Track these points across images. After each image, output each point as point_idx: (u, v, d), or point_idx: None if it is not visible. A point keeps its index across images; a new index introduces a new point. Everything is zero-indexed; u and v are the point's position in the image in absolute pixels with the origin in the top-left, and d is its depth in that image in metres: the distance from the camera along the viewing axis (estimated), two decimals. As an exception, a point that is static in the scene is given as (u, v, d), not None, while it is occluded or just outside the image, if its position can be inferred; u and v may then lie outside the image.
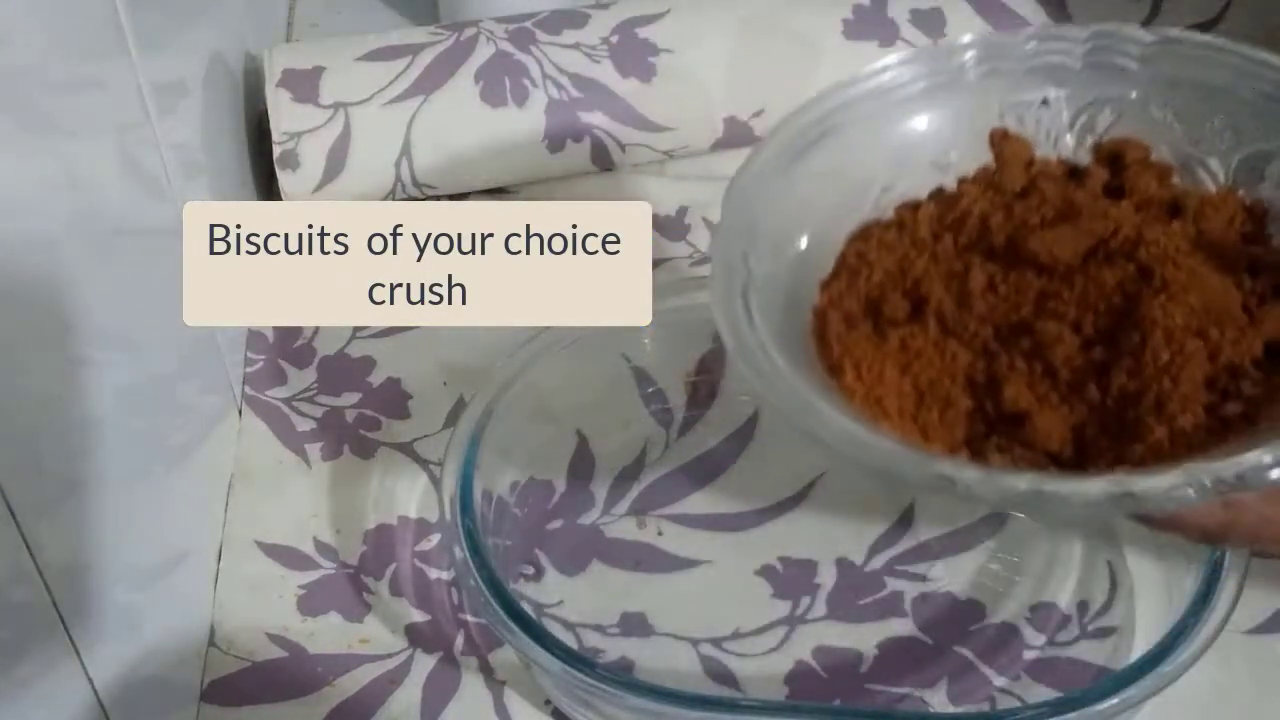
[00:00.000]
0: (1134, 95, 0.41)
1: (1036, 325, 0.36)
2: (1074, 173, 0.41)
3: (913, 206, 0.41)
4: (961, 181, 0.41)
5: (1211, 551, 0.42)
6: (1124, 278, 0.36)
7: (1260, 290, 0.37)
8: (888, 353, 0.37)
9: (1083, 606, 0.47)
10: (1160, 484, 0.31)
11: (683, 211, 0.62)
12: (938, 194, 0.41)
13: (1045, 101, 0.41)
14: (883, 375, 0.36)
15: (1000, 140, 0.41)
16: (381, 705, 0.46)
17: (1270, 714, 0.45)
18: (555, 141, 0.62)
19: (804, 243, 0.40)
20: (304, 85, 0.61)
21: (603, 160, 0.63)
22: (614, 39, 0.63)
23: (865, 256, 0.39)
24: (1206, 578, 0.42)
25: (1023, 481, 0.32)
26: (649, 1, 0.64)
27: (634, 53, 0.62)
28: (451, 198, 0.63)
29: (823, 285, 0.39)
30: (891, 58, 0.42)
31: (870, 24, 0.64)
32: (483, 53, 0.62)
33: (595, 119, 0.62)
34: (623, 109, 0.62)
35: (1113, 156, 0.41)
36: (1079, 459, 0.35)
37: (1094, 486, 0.31)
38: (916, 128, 0.41)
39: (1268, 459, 0.31)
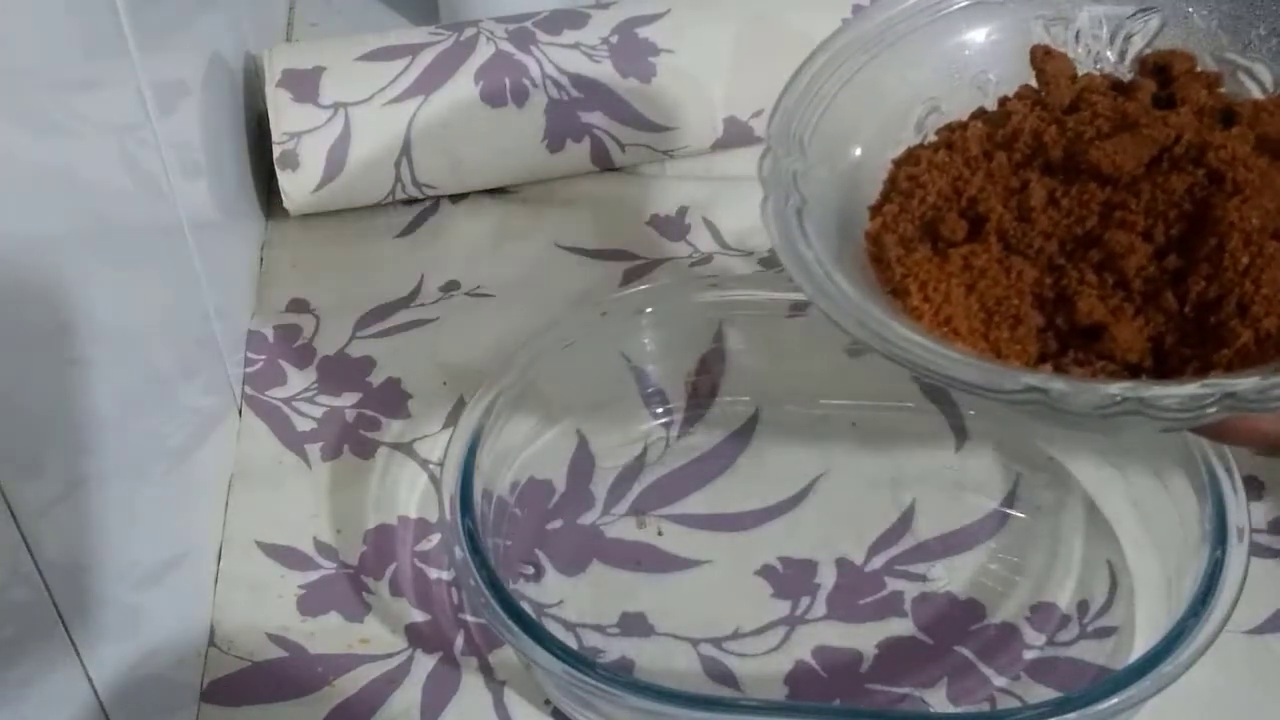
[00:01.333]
0: (1176, 6, 0.40)
1: (1105, 236, 0.35)
2: (1120, 86, 0.40)
3: (959, 127, 0.40)
4: (1004, 100, 0.40)
5: (1212, 551, 0.42)
6: (1193, 183, 0.35)
7: None
8: (951, 272, 0.36)
9: (1083, 606, 0.47)
10: (1255, 385, 0.30)
11: (683, 211, 0.62)
12: (981, 114, 0.40)
13: (1079, 29, 0.41)
14: (949, 295, 0.36)
15: (1042, 57, 0.40)
16: (381, 705, 0.46)
17: (1270, 714, 0.45)
18: (555, 141, 0.62)
19: (850, 165, 0.39)
20: (304, 85, 0.61)
21: (603, 160, 0.63)
22: (614, 39, 0.63)
23: (917, 179, 0.38)
24: (1206, 578, 0.42)
25: (1116, 388, 0.31)
26: (649, 1, 0.64)
27: (634, 53, 0.62)
28: (451, 198, 0.64)
29: (873, 210, 0.39)
30: None
31: (870, 24, 0.63)
32: (483, 53, 0.62)
33: (595, 119, 0.62)
34: (623, 109, 0.62)
35: (1159, 68, 0.40)
36: (1159, 369, 0.34)
37: (1191, 389, 0.31)
38: (956, 47, 0.41)
39: None
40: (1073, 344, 0.35)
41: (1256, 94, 0.39)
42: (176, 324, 0.50)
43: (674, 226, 0.62)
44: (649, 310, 0.52)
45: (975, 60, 0.41)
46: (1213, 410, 0.31)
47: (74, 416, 0.38)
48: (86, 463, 0.39)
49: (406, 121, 0.61)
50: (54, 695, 0.37)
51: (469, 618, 0.48)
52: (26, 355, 0.36)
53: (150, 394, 0.46)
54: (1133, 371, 0.34)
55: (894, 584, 0.49)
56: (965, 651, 0.47)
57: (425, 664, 0.47)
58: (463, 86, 0.61)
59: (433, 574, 0.49)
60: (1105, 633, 0.47)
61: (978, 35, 0.41)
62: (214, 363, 0.53)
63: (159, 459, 0.46)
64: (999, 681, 0.46)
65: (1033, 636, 0.47)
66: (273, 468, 0.53)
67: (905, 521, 0.50)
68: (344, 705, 0.46)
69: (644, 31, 0.63)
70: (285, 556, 0.50)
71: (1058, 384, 0.32)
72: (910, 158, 0.39)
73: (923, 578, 0.49)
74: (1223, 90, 0.39)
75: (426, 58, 0.62)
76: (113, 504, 0.40)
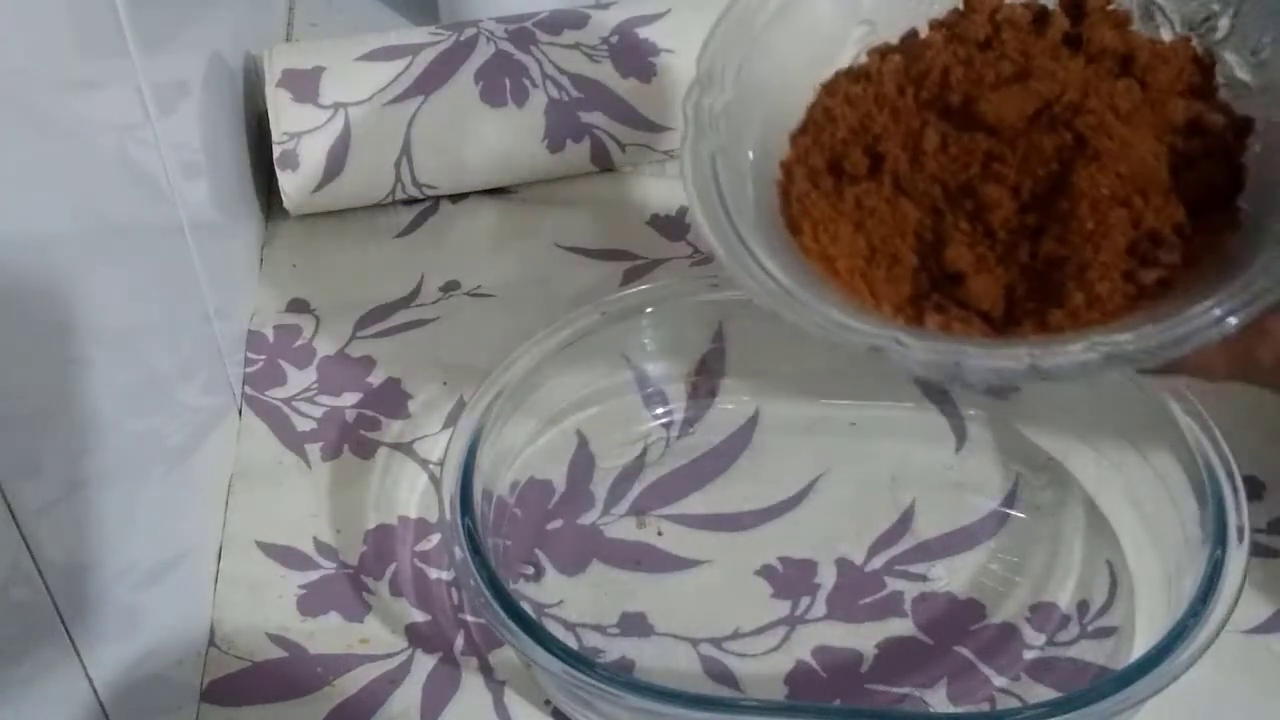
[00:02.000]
0: None
1: (980, 188, 0.38)
2: (1039, 16, 0.42)
3: (882, 53, 0.42)
4: (932, 24, 0.42)
5: (1212, 551, 0.42)
6: (1061, 145, 0.38)
7: (1193, 150, 0.38)
8: (843, 211, 0.39)
9: (1083, 606, 0.47)
10: (1067, 359, 0.33)
11: (683, 211, 0.62)
12: (909, 37, 0.42)
13: None
14: (837, 234, 0.38)
15: None
16: (381, 705, 0.46)
17: (1270, 714, 0.45)
18: (555, 141, 0.62)
19: (782, 89, 0.41)
20: (304, 85, 0.61)
21: (603, 160, 0.63)
22: (614, 39, 0.63)
23: (831, 112, 0.40)
24: (1206, 578, 0.42)
25: (943, 350, 0.34)
26: (649, 1, 0.64)
27: (634, 53, 0.62)
28: (451, 198, 0.64)
29: (792, 138, 0.41)
30: None
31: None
32: (483, 53, 0.62)
33: (595, 119, 0.62)
34: (623, 109, 0.62)
35: (1074, 3, 0.41)
36: (1008, 318, 0.36)
37: (1006, 361, 0.34)
38: None
39: (1168, 332, 0.33)
40: (940, 286, 0.37)
41: (1165, 34, 0.41)
42: (176, 324, 0.50)
43: (674, 226, 0.62)
44: (649, 310, 0.52)
45: None
46: (1027, 379, 0.34)
47: (74, 416, 0.38)
48: (86, 463, 0.39)
49: (406, 121, 0.61)
50: (54, 695, 0.37)
51: (469, 618, 0.48)
52: (26, 355, 0.36)
53: (150, 394, 0.46)
54: (986, 319, 0.37)
55: (894, 584, 0.49)
56: (965, 651, 0.47)
57: (425, 664, 0.47)
58: (463, 86, 0.61)
59: (433, 574, 0.49)
60: (1105, 633, 0.47)
61: None
62: (214, 363, 0.53)
63: (159, 459, 0.46)
64: (999, 681, 0.46)
65: (1033, 636, 0.47)
66: (273, 468, 0.53)
67: (905, 521, 0.50)
68: (344, 705, 0.46)
69: (644, 31, 0.63)
70: (285, 556, 0.50)
71: (893, 347, 0.34)
72: (830, 87, 0.41)
73: (923, 578, 0.49)
74: (1133, 29, 0.41)
75: (426, 58, 0.62)
76: (113, 504, 0.40)
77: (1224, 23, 0.40)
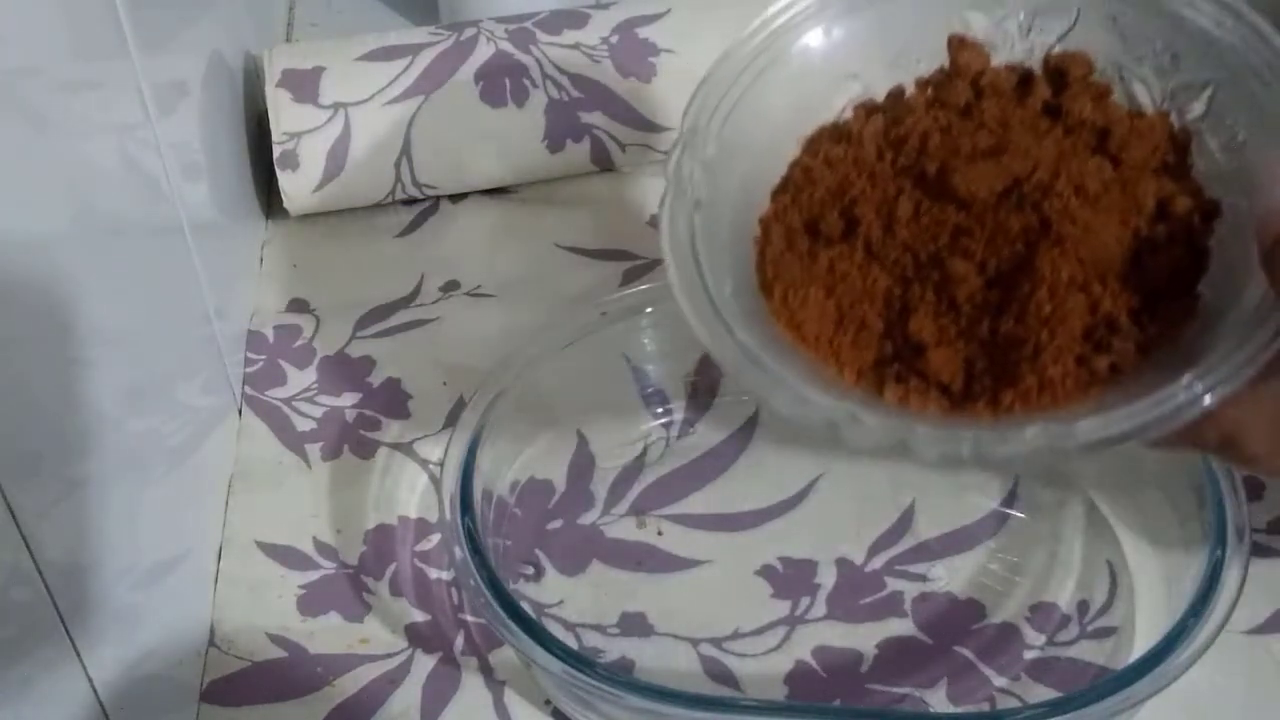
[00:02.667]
0: (1088, 6, 0.42)
1: (947, 261, 0.38)
2: (1023, 81, 0.42)
3: (866, 110, 0.42)
4: (918, 83, 0.42)
5: (1212, 551, 0.42)
6: (1027, 225, 0.38)
7: (1159, 236, 0.38)
8: (816, 275, 0.39)
9: (1083, 606, 0.47)
10: (1010, 449, 0.34)
11: (683, 211, 0.62)
12: (895, 95, 0.42)
13: (1005, 14, 0.42)
14: (807, 299, 0.39)
15: (957, 46, 0.42)
16: (381, 705, 0.46)
17: (1270, 714, 0.45)
18: (555, 141, 0.62)
19: (766, 144, 0.41)
20: (304, 85, 0.61)
21: (603, 160, 0.63)
22: (614, 39, 0.63)
23: (811, 172, 0.41)
24: (1206, 578, 0.42)
25: (892, 432, 0.35)
26: (649, 1, 0.64)
27: (634, 53, 0.62)
28: (451, 198, 0.64)
29: (773, 194, 0.41)
30: None
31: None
32: (483, 53, 0.62)
33: (595, 119, 0.62)
34: (623, 109, 0.62)
35: (1058, 71, 0.42)
36: (966, 393, 0.37)
37: (951, 445, 0.34)
38: (879, 25, 0.43)
39: (1116, 425, 0.34)
40: (902, 356, 0.38)
41: (1146, 104, 0.41)
42: (176, 324, 0.50)
43: (674, 226, 0.61)
44: (649, 310, 0.52)
45: (897, 42, 0.43)
46: (974, 463, 0.35)
47: (74, 416, 0.38)
48: (86, 463, 0.39)
49: (406, 121, 0.61)
50: (54, 695, 0.37)
51: (469, 618, 0.48)
52: (26, 355, 0.36)
53: (150, 394, 0.46)
54: (945, 391, 0.37)
55: (894, 584, 0.49)
56: (965, 651, 0.47)
57: (425, 664, 0.47)
58: (463, 86, 0.61)
59: (433, 574, 0.49)
60: (1105, 633, 0.47)
61: (904, 18, 0.43)
62: (214, 363, 0.53)
63: (159, 459, 0.46)
64: (999, 681, 0.46)
65: (1033, 636, 0.47)
66: (273, 468, 0.53)
67: (905, 521, 0.50)
68: (344, 705, 0.46)
69: (644, 31, 0.63)
70: (285, 556, 0.50)
71: (845, 423, 0.35)
72: (813, 144, 0.42)
73: (923, 578, 0.49)
74: (1113, 99, 0.41)
75: (426, 58, 0.62)
76: (113, 504, 0.40)
77: (1201, 101, 0.40)
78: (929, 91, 0.42)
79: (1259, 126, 0.38)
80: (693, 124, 0.41)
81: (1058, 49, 0.42)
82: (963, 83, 0.42)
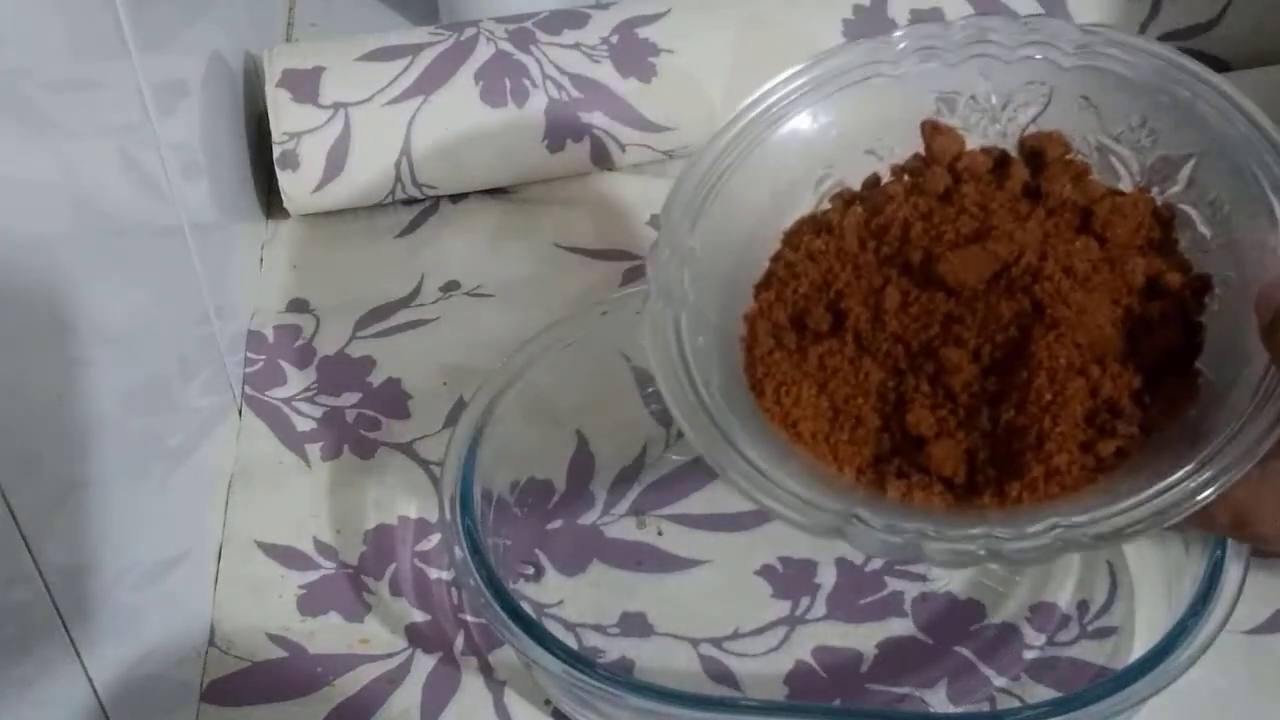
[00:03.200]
0: (1060, 86, 0.41)
1: (940, 351, 0.38)
2: (1000, 163, 0.42)
3: (845, 200, 0.42)
4: (894, 170, 0.42)
5: (1212, 551, 0.42)
6: (1020, 310, 0.38)
7: (1151, 314, 0.38)
8: (807, 372, 0.39)
9: (1083, 606, 0.47)
10: (1022, 545, 0.33)
11: (683, 211, 0.62)
12: (872, 184, 0.42)
13: (974, 97, 0.42)
14: (800, 397, 0.38)
15: (930, 132, 0.42)
16: (381, 705, 0.46)
17: (1270, 714, 0.45)
18: (555, 141, 0.62)
19: (744, 236, 0.41)
20: (304, 85, 0.61)
21: (603, 160, 0.63)
22: (614, 39, 0.63)
23: (794, 267, 0.41)
24: (1206, 578, 0.42)
25: (902, 537, 0.34)
26: (649, 1, 0.64)
27: (634, 53, 0.62)
28: (451, 198, 0.64)
29: (755, 290, 0.41)
30: (828, 50, 0.43)
31: (870, 24, 0.64)
32: (483, 53, 0.62)
33: (595, 119, 0.62)
34: (623, 109, 0.62)
35: (1034, 153, 0.42)
36: (970, 485, 0.37)
37: (962, 546, 0.34)
38: (853, 117, 0.42)
39: (1123, 520, 0.33)
40: (902, 451, 0.37)
41: (1125, 182, 0.41)
42: (176, 324, 0.50)
43: (674, 226, 0.61)
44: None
45: (871, 129, 0.42)
46: (985, 557, 0.34)
47: (74, 416, 0.38)
48: (86, 463, 0.39)
49: (406, 121, 0.61)
50: (54, 695, 0.37)
51: (469, 618, 0.48)
52: (26, 355, 0.36)
53: (150, 394, 0.46)
54: (948, 485, 0.37)
55: (894, 584, 0.49)
56: (965, 651, 0.47)
57: (425, 664, 0.47)
58: (463, 86, 0.61)
59: (433, 574, 0.49)
60: (1105, 633, 0.47)
61: (875, 105, 0.42)
62: (214, 363, 0.53)
63: (159, 459, 0.46)
64: (999, 681, 0.46)
65: (1033, 636, 0.47)
66: (273, 468, 0.53)
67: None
68: (344, 705, 0.46)
69: (644, 31, 0.63)
70: (285, 556, 0.50)
71: (854, 531, 0.35)
72: (793, 237, 0.41)
73: (923, 578, 0.49)
74: (1092, 178, 0.41)
75: (426, 58, 0.62)
76: (113, 504, 0.40)
77: (1183, 174, 0.39)
78: (906, 179, 0.42)
79: (1243, 197, 0.38)
80: (671, 219, 0.40)
81: (1032, 129, 0.42)
82: (940, 168, 0.41)
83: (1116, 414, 0.36)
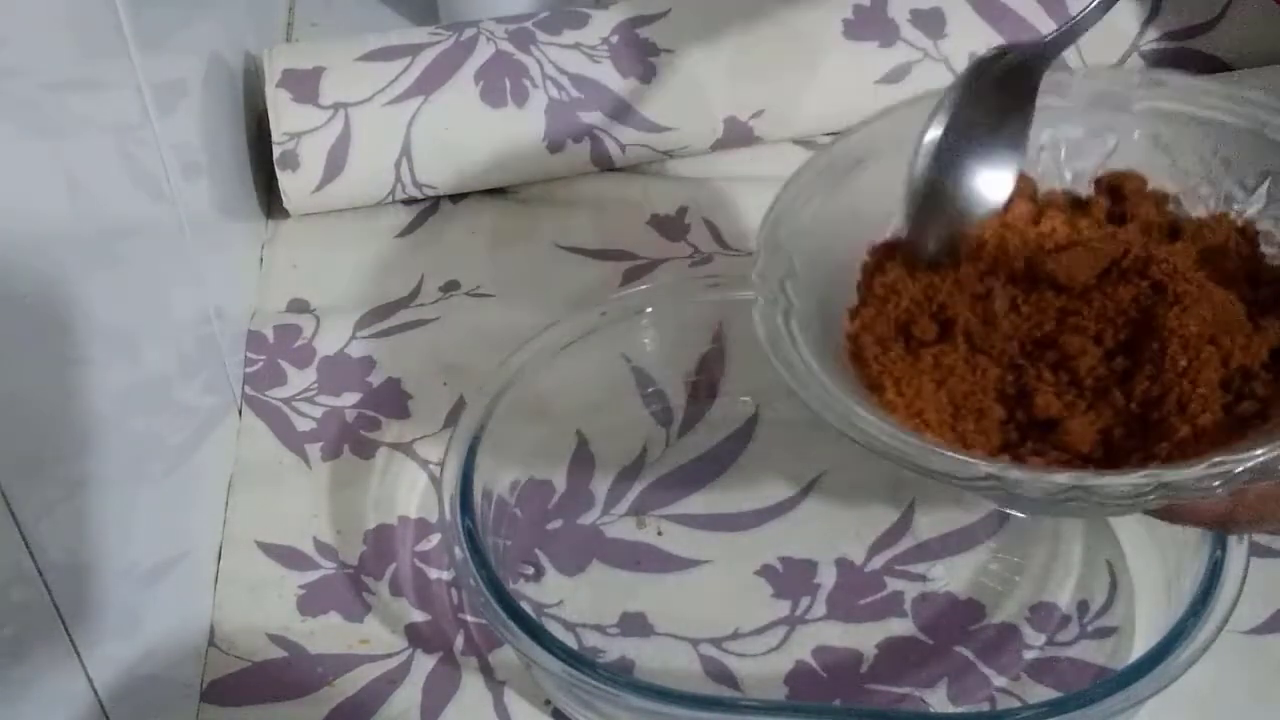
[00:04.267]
0: (1127, 131, 0.43)
1: (1060, 339, 0.39)
2: (1077, 203, 0.44)
3: None
4: None
5: (1212, 551, 0.42)
6: (1138, 293, 0.39)
7: (1262, 300, 0.39)
8: (923, 369, 0.39)
9: (1083, 606, 0.47)
10: (1192, 474, 0.34)
11: (683, 211, 0.62)
12: None
13: (1042, 146, 0.44)
14: (920, 390, 0.39)
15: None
16: (381, 705, 0.46)
17: (1270, 714, 0.45)
18: (555, 141, 0.62)
19: (834, 266, 0.42)
20: (304, 85, 0.61)
21: (603, 160, 0.63)
22: (614, 39, 0.63)
23: (892, 286, 0.42)
24: (1206, 578, 0.42)
25: (1065, 477, 0.34)
26: (649, 1, 0.64)
27: (634, 53, 0.62)
28: (451, 198, 0.64)
29: (851, 313, 0.42)
30: (909, 99, 0.44)
31: (870, 24, 0.64)
32: (483, 53, 0.62)
33: (595, 119, 0.62)
34: (623, 109, 0.62)
35: (1112, 188, 0.43)
36: (1108, 460, 0.37)
37: (1132, 479, 0.34)
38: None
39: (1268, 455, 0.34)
40: (1031, 436, 0.38)
41: (1203, 211, 0.42)
42: (176, 324, 0.50)
43: (674, 226, 0.62)
44: (649, 310, 0.52)
45: None
46: (1152, 497, 0.35)
47: (74, 416, 0.38)
48: (86, 463, 0.39)
49: (406, 121, 0.61)
50: (54, 695, 0.37)
51: (469, 618, 0.48)
52: (26, 355, 0.36)
53: (150, 394, 0.46)
54: (1084, 461, 0.37)
55: (894, 584, 0.49)
56: (965, 651, 0.47)
57: (425, 664, 0.47)
58: (463, 86, 0.61)
59: (433, 574, 0.49)
60: (1105, 633, 0.47)
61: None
62: (214, 363, 0.53)
63: (159, 459, 0.46)
64: (999, 681, 0.46)
65: (1033, 636, 0.47)
66: (273, 468, 0.53)
67: (905, 521, 0.50)
68: (344, 705, 0.46)
69: (644, 31, 0.63)
70: (285, 556, 0.50)
71: (1014, 473, 0.35)
72: (881, 262, 0.42)
73: (923, 578, 0.49)
74: (1171, 207, 0.43)
75: (426, 58, 0.62)
76: (113, 504, 0.40)
77: (1260, 194, 0.41)
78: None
79: None
80: (768, 239, 0.41)
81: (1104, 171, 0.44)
82: (1021, 204, 0.43)
83: (1249, 379, 0.37)
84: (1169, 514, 0.38)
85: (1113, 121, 0.43)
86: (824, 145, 0.44)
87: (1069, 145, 0.44)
